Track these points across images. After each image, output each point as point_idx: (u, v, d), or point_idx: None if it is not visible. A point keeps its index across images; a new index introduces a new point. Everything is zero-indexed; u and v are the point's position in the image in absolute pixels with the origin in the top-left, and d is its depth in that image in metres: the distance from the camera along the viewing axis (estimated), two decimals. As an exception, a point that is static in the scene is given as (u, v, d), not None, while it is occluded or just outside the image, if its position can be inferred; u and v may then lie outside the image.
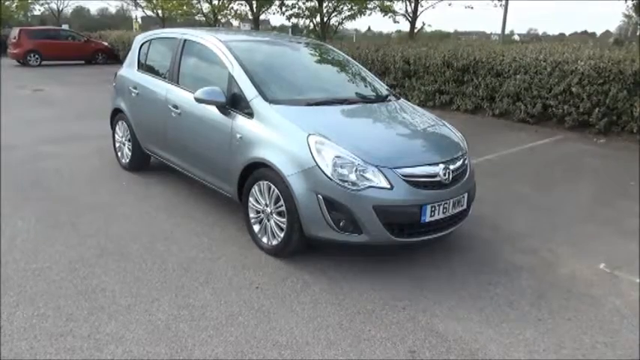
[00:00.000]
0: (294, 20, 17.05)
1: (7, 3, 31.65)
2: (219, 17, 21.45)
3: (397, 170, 3.15)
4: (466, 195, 3.49)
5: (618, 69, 7.43)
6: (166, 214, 4.25)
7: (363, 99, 4.25)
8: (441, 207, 3.26)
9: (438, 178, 3.26)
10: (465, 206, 3.51)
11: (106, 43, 22.96)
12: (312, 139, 3.23)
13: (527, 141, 7.48)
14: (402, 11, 15.39)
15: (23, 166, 5.52)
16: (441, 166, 3.31)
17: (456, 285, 3.20)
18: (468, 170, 3.62)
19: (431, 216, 3.21)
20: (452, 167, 3.38)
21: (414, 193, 3.16)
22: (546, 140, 7.60)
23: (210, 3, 20.60)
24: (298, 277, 3.22)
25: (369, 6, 15.55)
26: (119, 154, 5.54)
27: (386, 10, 15.27)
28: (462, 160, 3.56)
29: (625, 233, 4.09)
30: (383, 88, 4.58)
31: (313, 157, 3.16)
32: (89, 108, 9.63)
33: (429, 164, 3.30)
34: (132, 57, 5.41)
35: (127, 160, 5.37)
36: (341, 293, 3.05)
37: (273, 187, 3.37)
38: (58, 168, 5.48)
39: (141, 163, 5.34)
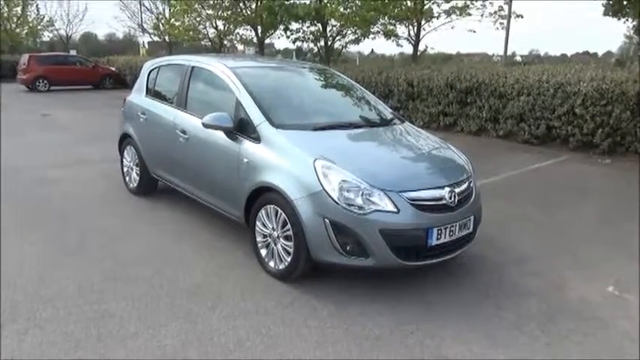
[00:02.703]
0: (298, 44, 17.31)
1: (17, 30, 32.32)
2: (225, 42, 21.80)
3: (403, 194, 3.18)
4: (472, 218, 3.50)
5: (621, 90, 7.49)
6: (174, 238, 4.28)
7: (368, 123, 4.30)
8: (448, 230, 3.27)
9: (444, 201, 3.28)
10: (471, 229, 3.51)
11: (113, 68, 23.30)
12: (319, 164, 3.26)
13: (531, 162, 7.50)
14: (405, 35, 15.59)
15: (32, 190, 5.58)
16: (447, 189, 3.33)
17: (463, 308, 3.19)
18: (474, 193, 3.64)
19: (437, 239, 3.22)
20: (457, 190, 3.40)
21: (421, 216, 3.18)
22: (551, 161, 7.61)
23: (216, 28, 20.97)
24: (306, 302, 3.22)
25: (372, 30, 15.76)
26: (127, 178, 5.60)
27: (389, 34, 15.47)
28: (467, 183, 3.59)
29: (632, 255, 4.06)
30: (387, 112, 4.64)
31: (320, 181, 3.20)
32: (96, 132, 9.74)
33: (435, 187, 3.33)
34: (140, 83, 5.52)
35: (135, 185, 5.42)
36: (349, 318, 3.04)
37: (280, 211, 3.40)
38: (67, 192, 5.54)
39: (148, 187, 5.39)
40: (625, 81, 7.58)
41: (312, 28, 16.61)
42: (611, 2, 8.80)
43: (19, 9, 31.88)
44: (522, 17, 13.85)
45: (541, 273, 3.71)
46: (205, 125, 3.88)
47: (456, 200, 3.35)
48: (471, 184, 3.66)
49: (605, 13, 9.09)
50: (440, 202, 3.28)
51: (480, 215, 3.69)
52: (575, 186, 6.27)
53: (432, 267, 3.49)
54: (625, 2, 8.72)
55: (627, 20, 9.68)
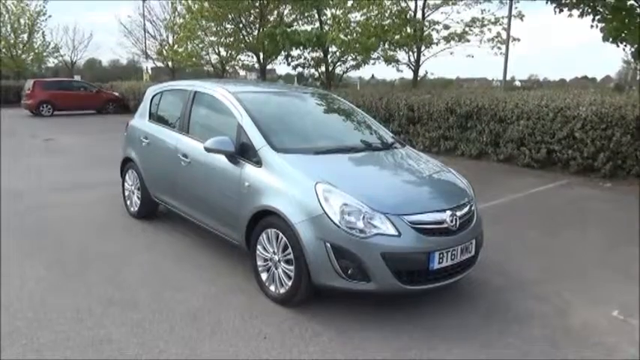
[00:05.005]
0: (299, 69, 17.50)
1: (23, 56, 32.84)
2: (227, 67, 22.09)
3: (404, 217, 3.17)
4: (474, 241, 3.49)
5: (620, 114, 7.54)
6: (174, 262, 4.25)
7: (369, 147, 4.32)
8: (449, 254, 3.26)
9: (445, 225, 3.28)
10: (473, 253, 3.50)
11: (116, 94, 23.53)
12: (320, 187, 3.27)
13: (533, 186, 7.50)
14: (405, 60, 15.79)
15: (33, 213, 5.58)
16: (448, 212, 3.33)
17: (466, 334, 3.15)
18: (475, 216, 3.63)
19: (439, 263, 3.21)
20: (459, 214, 3.40)
21: (422, 240, 3.17)
22: (552, 185, 7.62)
23: (219, 54, 21.26)
24: (307, 327, 3.19)
25: (373, 56, 15.97)
26: (128, 202, 5.60)
27: (390, 60, 15.66)
28: (468, 207, 3.58)
29: (636, 279, 4.03)
30: (388, 136, 4.67)
31: (321, 204, 3.20)
32: (98, 156, 9.79)
33: (436, 211, 3.32)
34: (143, 108, 5.57)
35: (136, 209, 5.42)
36: (350, 343, 3.00)
37: (281, 234, 3.39)
38: (67, 216, 5.54)
39: (149, 211, 5.39)
40: (624, 105, 7.64)
41: (314, 55, 16.82)
42: (607, 29, 8.91)
43: (25, 36, 32.49)
44: (519, 40, 14.07)
45: (544, 297, 3.68)
46: (207, 149, 3.90)
47: (458, 224, 3.35)
48: (472, 208, 3.65)
49: (605, 39, 9.19)
50: (441, 226, 3.27)
51: (481, 239, 3.68)
52: (576, 210, 6.26)
53: (433, 291, 3.46)
54: (623, 30, 8.84)
55: (626, 46, 9.76)
